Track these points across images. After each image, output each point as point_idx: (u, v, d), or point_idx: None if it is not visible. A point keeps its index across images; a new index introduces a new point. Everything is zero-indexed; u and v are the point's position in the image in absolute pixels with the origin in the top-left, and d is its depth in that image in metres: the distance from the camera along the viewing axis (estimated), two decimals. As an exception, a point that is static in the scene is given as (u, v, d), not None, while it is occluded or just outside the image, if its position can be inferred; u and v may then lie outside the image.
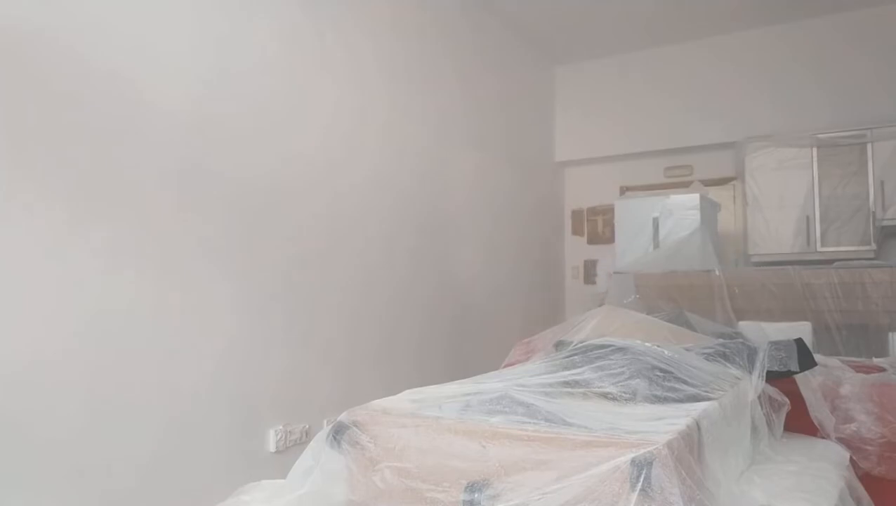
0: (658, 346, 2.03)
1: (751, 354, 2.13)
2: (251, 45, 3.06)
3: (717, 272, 3.56)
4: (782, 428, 2.06)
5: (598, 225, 5.85)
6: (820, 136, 4.78)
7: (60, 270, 2.27)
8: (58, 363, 2.25)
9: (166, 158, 2.65)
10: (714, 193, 5.31)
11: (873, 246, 4.56)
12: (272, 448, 3.06)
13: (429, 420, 1.54)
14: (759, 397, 1.94)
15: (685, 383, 1.81)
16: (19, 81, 2.17)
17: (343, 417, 1.59)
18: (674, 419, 1.49)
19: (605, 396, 1.77)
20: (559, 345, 2.51)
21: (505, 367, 2.61)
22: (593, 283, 5.82)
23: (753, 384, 1.96)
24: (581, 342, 2.32)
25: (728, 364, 2.07)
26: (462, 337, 4.60)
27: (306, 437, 3.16)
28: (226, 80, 2.92)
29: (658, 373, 1.85)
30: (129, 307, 2.48)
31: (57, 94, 2.28)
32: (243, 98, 3.00)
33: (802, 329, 2.92)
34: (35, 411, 2.18)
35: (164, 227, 2.63)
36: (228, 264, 2.90)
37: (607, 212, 5.41)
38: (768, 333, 2.59)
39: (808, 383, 2.23)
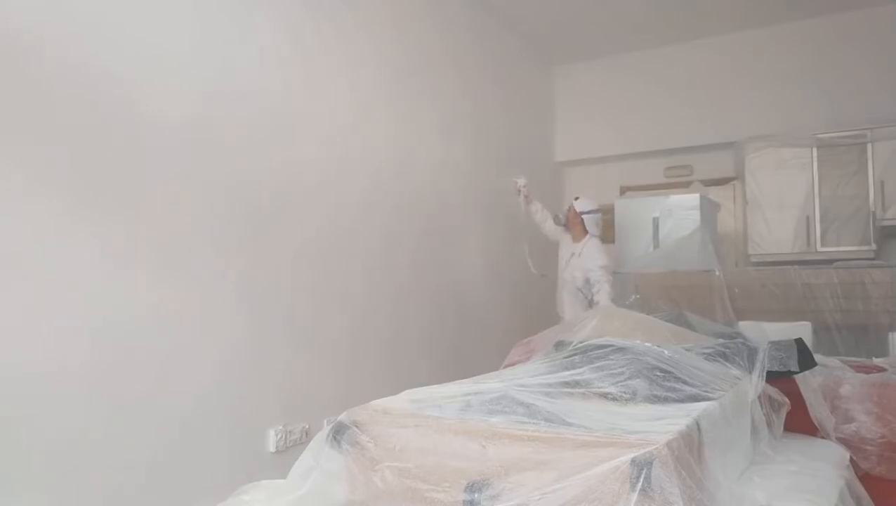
0: (658, 346, 2.03)
1: (751, 354, 2.13)
2: (253, 49, 3.05)
3: (717, 272, 3.56)
4: (782, 428, 2.06)
5: (598, 225, 5.84)
6: (820, 136, 4.78)
7: (64, 272, 2.27)
8: (60, 364, 2.24)
9: (168, 162, 2.64)
10: (714, 193, 5.31)
11: (873, 246, 4.56)
12: (272, 448, 3.05)
13: (429, 420, 1.54)
14: (759, 397, 1.94)
15: (685, 382, 1.81)
16: (22, 86, 2.17)
17: (343, 417, 1.60)
18: (674, 419, 1.49)
19: (605, 396, 1.77)
20: (559, 345, 2.51)
21: (505, 367, 2.61)
22: None
23: (753, 384, 1.96)
24: (581, 342, 2.32)
25: (728, 364, 2.07)
26: (462, 337, 4.59)
27: (306, 437, 3.16)
28: (229, 85, 2.92)
29: (658, 373, 1.85)
30: (131, 308, 2.48)
31: (62, 98, 2.27)
32: (247, 103, 3.00)
33: (802, 329, 2.92)
34: (37, 411, 2.17)
35: (166, 228, 2.62)
36: (231, 266, 2.90)
37: (607, 212, 5.40)
38: (768, 333, 2.59)
39: (808, 383, 2.23)
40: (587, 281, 4.20)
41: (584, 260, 4.24)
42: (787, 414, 2.09)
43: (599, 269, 4.12)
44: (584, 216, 4.35)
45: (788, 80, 5.18)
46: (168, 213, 2.64)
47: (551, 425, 1.46)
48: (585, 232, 4.35)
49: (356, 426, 1.56)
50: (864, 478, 2.07)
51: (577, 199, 4.49)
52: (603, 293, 4.05)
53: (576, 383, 1.83)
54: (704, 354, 2.12)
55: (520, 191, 4.54)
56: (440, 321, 4.37)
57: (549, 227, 4.59)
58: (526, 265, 4.49)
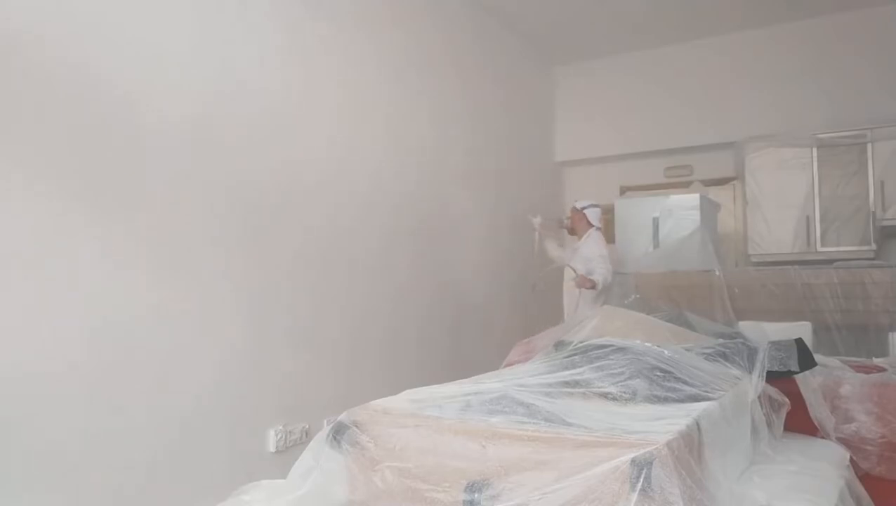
0: (658, 346, 2.03)
1: (751, 354, 2.13)
2: (253, 49, 3.06)
3: (717, 272, 3.55)
4: (782, 428, 2.06)
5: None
6: (820, 136, 4.78)
7: (64, 272, 2.27)
8: (60, 364, 2.24)
9: (169, 162, 2.64)
10: (714, 193, 5.31)
11: (873, 246, 4.56)
12: (272, 448, 3.05)
13: (429, 420, 1.54)
14: (759, 397, 1.94)
15: (685, 383, 1.81)
16: (22, 86, 2.17)
17: (343, 417, 1.60)
18: (674, 419, 1.49)
19: (605, 396, 1.77)
20: (559, 345, 2.51)
21: (505, 367, 2.61)
22: None
23: (753, 384, 1.96)
24: (581, 342, 2.32)
25: (728, 364, 2.07)
26: (462, 337, 4.59)
27: (306, 437, 3.16)
28: (229, 85, 2.92)
29: (658, 373, 1.85)
30: (131, 308, 2.48)
31: (63, 99, 2.27)
32: (247, 103, 3.00)
33: (802, 329, 2.91)
34: (37, 411, 2.17)
35: (166, 228, 2.62)
36: (231, 266, 2.90)
37: (607, 212, 5.40)
38: (768, 333, 2.59)
39: (808, 383, 2.23)
40: (588, 272, 4.37)
41: (583, 252, 4.46)
42: (787, 414, 2.09)
43: (598, 257, 4.35)
44: (585, 211, 4.60)
45: (788, 80, 5.18)
46: (168, 213, 2.64)
47: (551, 425, 1.46)
48: (589, 227, 4.58)
49: (356, 426, 1.56)
50: (864, 478, 2.07)
51: (576, 201, 4.77)
52: (597, 274, 4.25)
53: (576, 383, 1.83)
54: (704, 354, 2.12)
55: (535, 229, 4.78)
56: (440, 321, 4.37)
57: (566, 257, 4.71)
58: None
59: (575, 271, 4.30)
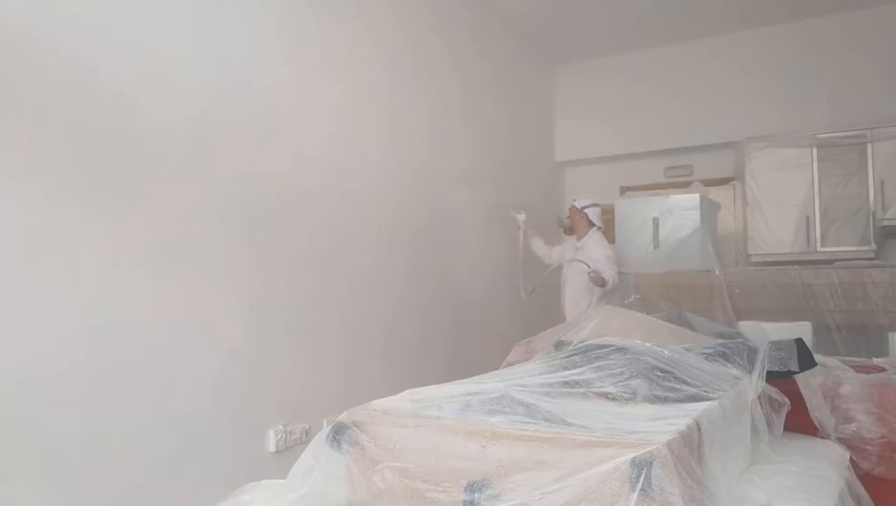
0: (658, 346, 2.03)
1: (751, 354, 2.13)
2: (254, 50, 3.05)
3: (717, 272, 3.55)
4: (782, 428, 2.06)
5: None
6: (820, 136, 4.78)
7: (64, 273, 2.27)
8: (60, 364, 2.24)
9: (169, 162, 2.64)
10: (714, 193, 5.31)
11: (873, 246, 4.56)
12: (272, 448, 3.05)
13: (429, 420, 1.54)
14: (759, 397, 1.94)
15: (685, 383, 1.81)
16: (23, 86, 2.16)
17: (343, 417, 1.60)
18: (674, 419, 1.49)
19: (605, 396, 1.77)
20: (559, 345, 2.51)
21: (505, 367, 2.61)
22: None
23: (753, 384, 1.96)
24: (581, 342, 2.32)
25: (728, 364, 2.07)
26: (462, 337, 4.59)
27: (306, 437, 3.16)
28: (230, 86, 2.91)
29: (658, 373, 1.85)
30: (131, 308, 2.48)
31: (63, 100, 2.27)
32: (248, 103, 3.00)
33: (802, 329, 2.91)
34: (37, 411, 2.17)
35: (167, 228, 2.62)
36: (232, 265, 2.90)
37: (607, 212, 5.40)
38: (768, 333, 2.59)
39: (808, 383, 2.23)
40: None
41: (588, 251, 4.44)
42: (787, 414, 2.09)
43: (604, 258, 4.34)
44: (587, 210, 4.58)
45: (788, 80, 5.18)
46: (168, 213, 2.64)
47: (551, 425, 1.46)
48: (590, 226, 4.56)
49: (356, 426, 1.56)
50: (864, 478, 2.07)
51: (574, 200, 4.73)
52: (606, 275, 4.25)
53: (576, 383, 1.83)
54: (704, 354, 2.12)
55: (520, 226, 4.76)
56: (440, 321, 4.37)
57: (555, 255, 4.71)
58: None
59: (588, 266, 4.28)
